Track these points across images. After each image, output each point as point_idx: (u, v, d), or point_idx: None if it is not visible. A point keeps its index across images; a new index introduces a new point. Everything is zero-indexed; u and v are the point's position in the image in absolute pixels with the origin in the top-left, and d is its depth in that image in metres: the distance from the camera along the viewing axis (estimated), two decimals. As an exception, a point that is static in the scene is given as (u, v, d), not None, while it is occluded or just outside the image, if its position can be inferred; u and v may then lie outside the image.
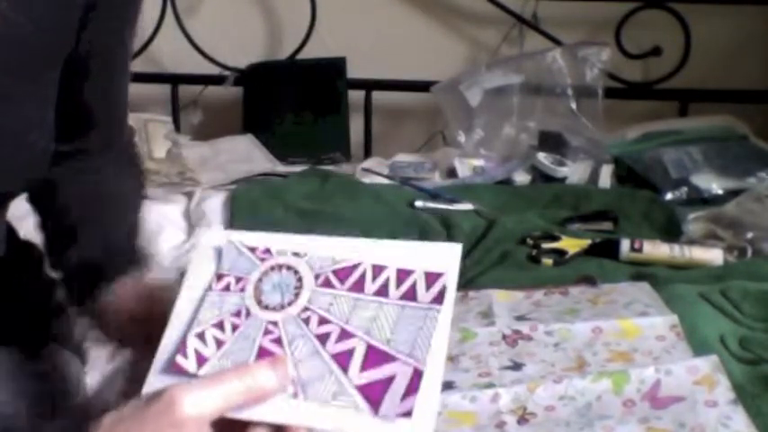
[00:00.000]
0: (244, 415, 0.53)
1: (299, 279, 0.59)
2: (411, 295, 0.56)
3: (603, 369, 0.92)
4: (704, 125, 1.81)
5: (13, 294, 0.86)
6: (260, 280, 0.59)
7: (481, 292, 1.15)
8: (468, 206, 1.51)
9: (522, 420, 0.86)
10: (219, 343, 0.57)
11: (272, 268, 0.59)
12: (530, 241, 1.35)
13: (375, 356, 0.54)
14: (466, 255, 1.34)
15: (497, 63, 1.88)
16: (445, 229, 1.42)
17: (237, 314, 0.58)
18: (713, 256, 1.26)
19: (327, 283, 0.58)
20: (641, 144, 1.75)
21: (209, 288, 0.59)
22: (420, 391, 0.52)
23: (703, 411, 0.84)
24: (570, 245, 1.32)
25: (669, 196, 1.53)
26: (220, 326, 0.58)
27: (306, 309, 0.57)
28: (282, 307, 0.57)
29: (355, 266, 0.58)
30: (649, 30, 1.94)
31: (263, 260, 0.60)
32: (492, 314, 1.07)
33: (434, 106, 1.89)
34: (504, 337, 1.01)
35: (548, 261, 1.28)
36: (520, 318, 1.06)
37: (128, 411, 0.52)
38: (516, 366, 0.95)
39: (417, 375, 0.52)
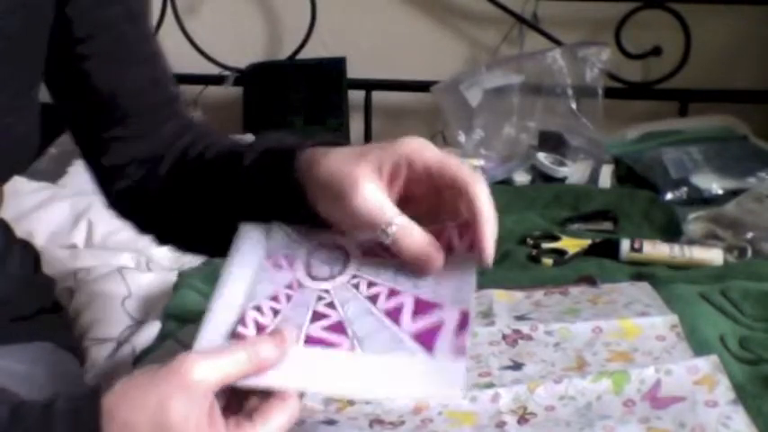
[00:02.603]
0: (300, 384, 0.58)
1: (346, 254, 0.62)
2: (449, 248, 0.60)
3: (604, 369, 0.92)
4: (704, 125, 1.81)
5: (8, 293, 0.86)
6: (309, 257, 0.62)
7: (481, 291, 1.15)
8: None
9: (523, 420, 0.86)
10: (276, 312, 0.60)
11: (320, 245, 0.62)
12: (530, 241, 1.35)
13: (423, 306, 0.57)
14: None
15: (497, 63, 1.88)
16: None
17: (290, 287, 0.61)
18: (713, 256, 1.26)
19: (372, 254, 0.61)
20: (641, 144, 1.75)
21: (261, 268, 0.62)
22: (469, 330, 0.56)
23: (703, 411, 0.84)
24: (570, 245, 1.32)
25: (669, 196, 1.53)
26: (275, 298, 0.60)
27: (354, 276, 0.61)
28: (333, 277, 0.61)
29: None
30: (649, 30, 1.94)
31: (309, 239, 0.63)
32: (492, 314, 1.07)
33: (434, 106, 1.89)
34: (504, 336, 1.01)
35: (548, 261, 1.28)
36: (520, 317, 1.06)
37: (139, 375, 0.56)
38: (516, 366, 0.95)
39: (464, 317, 0.56)
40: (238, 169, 0.71)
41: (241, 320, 0.60)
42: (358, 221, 0.60)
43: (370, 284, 0.60)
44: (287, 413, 0.56)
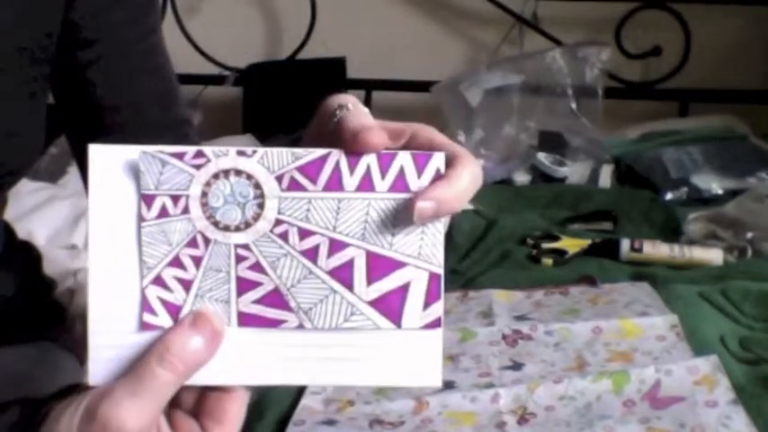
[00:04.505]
0: (246, 379, 0.47)
1: (257, 185, 0.46)
2: (402, 185, 0.46)
3: (603, 369, 0.92)
4: (704, 125, 1.81)
5: (9, 293, 0.86)
6: (204, 194, 0.45)
7: (481, 291, 1.15)
8: (468, 206, 1.51)
9: (522, 420, 0.86)
10: (185, 283, 0.46)
11: (216, 176, 0.45)
12: (530, 241, 1.35)
13: (379, 265, 0.46)
14: (466, 255, 1.34)
15: (497, 63, 1.88)
16: (445, 229, 1.42)
17: (193, 243, 0.46)
18: (713, 256, 1.26)
19: (295, 185, 0.46)
20: (641, 144, 1.75)
21: (141, 218, 0.45)
22: (442, 297, 0.46)
23: (703, 411, 0.84)
24: (570, 245, 1.32)
25: (669, 196, 1.53)
26: (178, 263, 0.46)
27: (279, 222, 0.46)
28: (248, 224, 0.46)
29: (324, 158, 0.46)
30: (649, 30, 1.94)
31: (198, 167, 0.45)
32: (492, 314, 1.07)
33: (434, 106, 1.89)
34: (504, 336, 1.01)
35: (548, 261, 1.28)
36: (520, 318, 1.06)
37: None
38: (516, 366, 0.95)
39: (435, 280, 0.46)
40: None
41: (144, 304, 0.46)
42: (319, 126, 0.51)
43: (304, 234, 0.46)
44: (240, 407, 0.48)
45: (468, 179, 0.46)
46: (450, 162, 0.46)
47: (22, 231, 0.99)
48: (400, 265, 0.46)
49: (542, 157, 1.68)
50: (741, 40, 1.97)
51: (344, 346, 0.46)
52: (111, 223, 0.45)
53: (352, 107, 0.49)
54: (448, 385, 0.92)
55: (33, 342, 0.88)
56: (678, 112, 1.98)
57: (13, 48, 0.70)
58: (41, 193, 1.55)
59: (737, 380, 0.90)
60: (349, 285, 0.46)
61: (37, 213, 1.47)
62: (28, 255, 0.92)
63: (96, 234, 0.46)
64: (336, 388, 0.93)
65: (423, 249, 0.46)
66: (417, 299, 0.46)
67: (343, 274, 0.46)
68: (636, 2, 1.93)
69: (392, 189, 0.46)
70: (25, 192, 1.53)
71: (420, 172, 0.46)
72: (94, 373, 0.46)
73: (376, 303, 0.46)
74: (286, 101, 2.04)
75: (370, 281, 0.46)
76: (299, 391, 0.93)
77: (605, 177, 1.65)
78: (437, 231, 0.46)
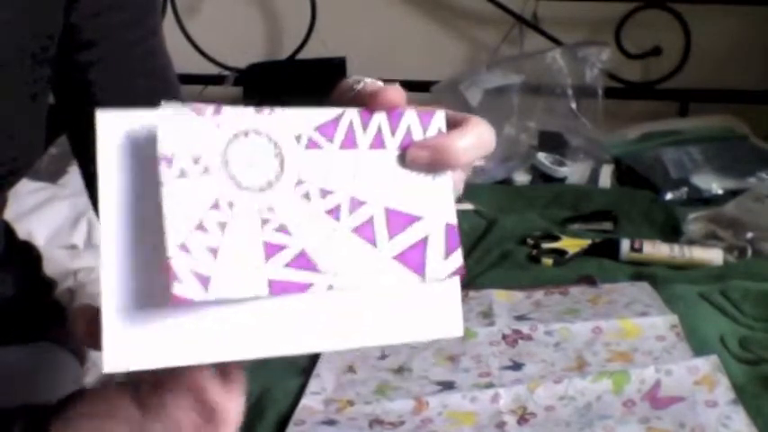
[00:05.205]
0: (284, 349, 0.45)
1: (276, 144, 0.45)
2: (410, 142, 0.47)
3: (603, 369, 0.92)
4: (704, 125, 1.81)
5: (9, 293, 0.86)
6: (224, 155, 0.43)
7: (481, 291, 1.15)
8: (468, 206, 1.51)
9: (522, 420, 0.86)
10: (213, 250, 0.42)
11: (236, 135, 0.44)
12: (530, 241, 1.35)
13: (397, 220, 0.46)
14: (466, 255, 1.34)
15: (497, 63, 1.88)
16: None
17: (216, 206, 0.43)
18: (713, 256, 1.26)
19: (313, 144, 0.46)
20: (641, 144, 1.75)
21: (160, 184, 0.42)
22: (460, 246, 0.47)
23: (703, 411, 0.84)
24: (570, 245, 1.32)
25: (669, 196, 1.53)
26: (202, 227, 0.42)
27: (300, 181, 0.45)
28: (270, 184, 0.44)
29: (338, 118, 0.47)
30: (649, 30, 1.94)
31: (217, 127, 0.43)
32: (492, 314, 1.07)
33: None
34: (505, 336, 1.01)
35: (548, 261, 1.28)
36: (520, 318, 1.06)
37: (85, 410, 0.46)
38: (516, 366, 0.95)
39: (452, 230, 0.47)
40: None
41: (171, 274, 0.41)
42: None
43: (325, 193, 0.45)
44: (239, 404, 0.49)
45: (471, 138, 0.48)
46: (459, 123, 0.49)
47: (22, 231, 0.99)
48: (416, 218, 0.47)
49: (542, 157, 1.68)
50: (741, 40, 1.97)
51: (372, 305, 0.46)
52: (125, 193, 0.42)
53: (369, 81, 0.50)
54: (448, 385, 0.92)
55: (33, 342, 0.88)
56: (678, 112, 1.97)
57: (14, 48, 0.70)
58: (41, 193, 1.55)
59: (737, 380, 0.90)
60: (372, 242, 0.46)
61: (37, 213, 1.47)
62: (28, 255, 0.92)
63: (108, 207, 0.42)
64: (336, 387, 0.93)
65: (435, 203, 0.47)
66: (437, 250, 0.47)
67: (365, 232, 0.46)
68: (636, 2, 1.93)
69: (401, 146, 0.47)
70: (25, 192, 1.53)
71: (425, 129, 0.48)
72: (110, 358, 0.42)
73: (400, 258, 0.46)
74: (286, 101, 2.04)
75: (390, 236, 0.46)
76: (299, 391, 0.93)
77: (605, 177, 1.65)
78: (446, 186, 0.48)
